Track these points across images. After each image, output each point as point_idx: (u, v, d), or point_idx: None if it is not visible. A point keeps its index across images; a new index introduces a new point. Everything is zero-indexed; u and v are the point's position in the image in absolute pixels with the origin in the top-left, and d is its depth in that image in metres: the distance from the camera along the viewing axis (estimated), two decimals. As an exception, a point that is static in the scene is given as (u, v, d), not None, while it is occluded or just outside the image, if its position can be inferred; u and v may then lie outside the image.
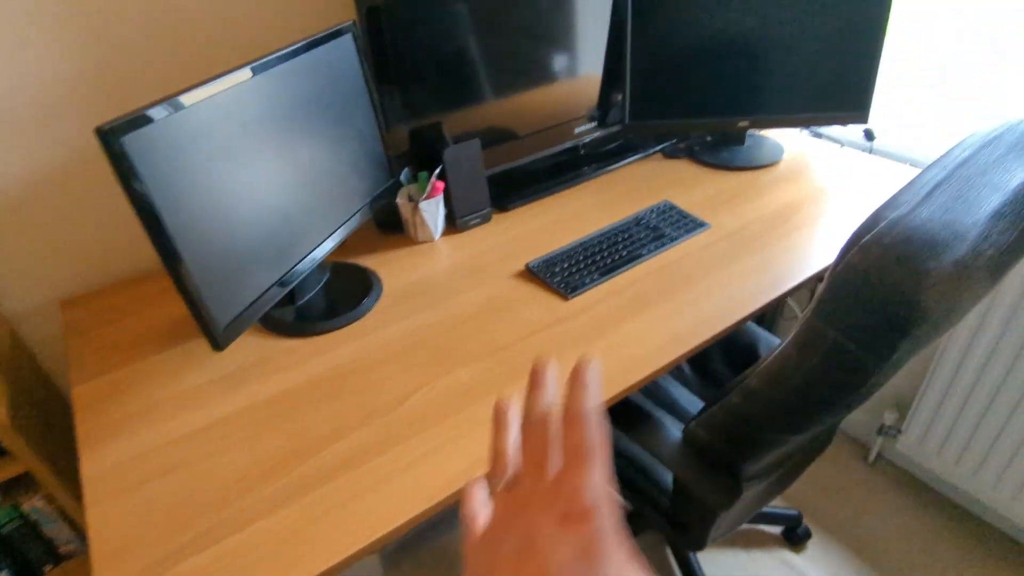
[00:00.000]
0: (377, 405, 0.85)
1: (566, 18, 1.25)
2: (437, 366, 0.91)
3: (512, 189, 1.34)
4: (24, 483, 1.03)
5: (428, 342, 0.95)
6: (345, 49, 1.02)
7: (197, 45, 1.08)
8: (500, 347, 0.93)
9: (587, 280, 1.04)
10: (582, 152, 1.48)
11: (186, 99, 0.76)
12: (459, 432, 0.80)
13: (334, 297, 1.06)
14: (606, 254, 1.10)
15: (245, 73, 0.84)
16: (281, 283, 0.95)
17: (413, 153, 1.21)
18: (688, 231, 1.15)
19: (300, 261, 0.99)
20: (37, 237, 1.07)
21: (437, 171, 1.15)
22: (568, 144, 1.40)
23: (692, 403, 1.14)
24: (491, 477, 0.33)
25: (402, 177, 1.21)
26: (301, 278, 1.00)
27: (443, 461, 0.77)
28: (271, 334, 1.00)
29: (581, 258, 1.09)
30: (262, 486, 0.75)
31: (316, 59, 0.96)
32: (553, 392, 0.34)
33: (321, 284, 1.09)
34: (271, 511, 0.73)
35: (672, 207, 1.23)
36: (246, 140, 0.86)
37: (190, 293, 0.78)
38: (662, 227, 1.17)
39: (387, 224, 1.25)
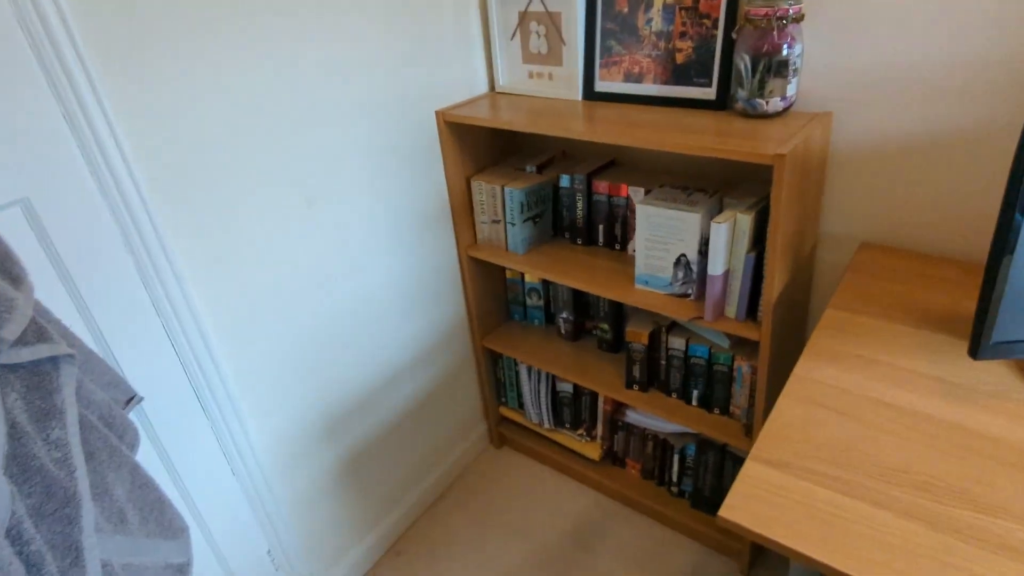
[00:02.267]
0: (1100, 534, 0.67)
1: None
2: None
3: None
4: (749, 346, 1.32)
5: None
6: None
7: None
8: None
9: None
10: None
11: None
12: None
13: None
14: None
15: None
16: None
17: None
18: None
19: None
20: (882, 183, 1.21)
21: None
22: None
23: None
24: None
25: None
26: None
27: None
28: (1022, 372, 0.88)
29: None
30: (911, 491, 0.74)
31: None
32: None
33: None
34: (900, 513, 0.71)
35: None
36: None
37: (991, 292, 0.76)
38: None
39: None
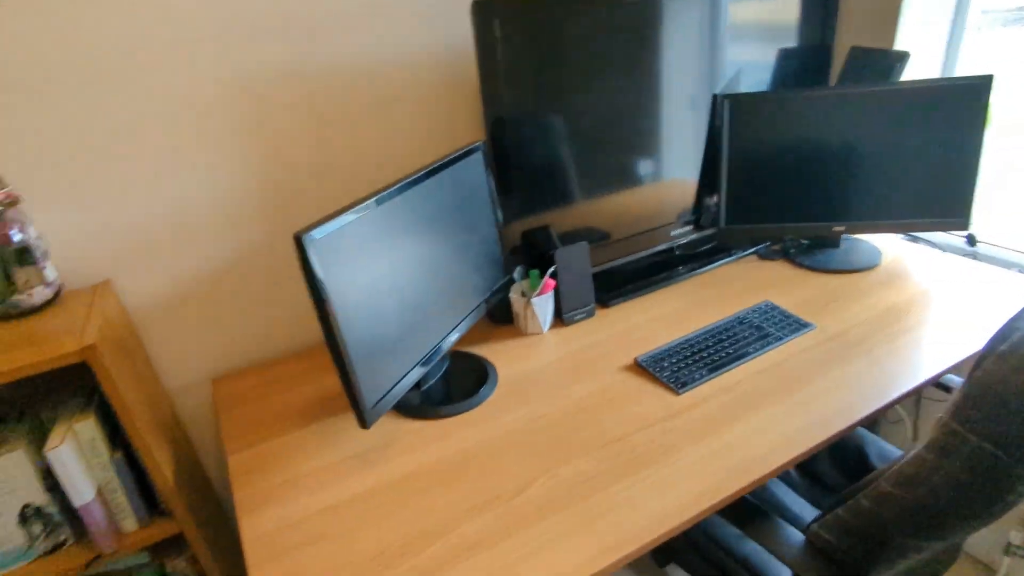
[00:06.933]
0: (500, 491, 0.91)
1: (657, 131, 1.37)
2: (555, 456, 0.96)
3: (612, 287, 1.42)
4: (172, 544, 1.13)
5: (545, 431, 1.01)
6: (476, 164, 1.16)
7: (355, 168, 1.25)
8: (614, 439, 0.98)
9: (697, 376, 1.09)
10: (677, 252, 1.56)
11: (350, 215, 0.90)
12: (583, 520, 0.84)
13: (455, 384, 1.15)
14: (712, 351, 1.15)
15: (396, 192, 0.98)
16: (423, 364, 1.05)
17: (524, 251, 1.33)
18: (793, 331, 1.19)
19: (433, 350, 1.09)
20: (194, 322, 1.23)
21: (551, 271, 1.25)
22: (664, 246, 1.48)
23: (801, 506, 1.12)
24: None
25: (515, 275, 1.31)
26: (432, 365, 1.10)
27: (570, 549, 0.80)
28: (399, 415, 1.09)
29: (688, 354, 1.14)
30: (399, 563, 0.81)
31: (451, 175, 1.10)
32: None
33: (443, 371, 1.18)
34: (407, 586, 0.78)
35: (774, 307, 1.27)
36: (397, 245, 0.98)
37: (347, 371, 0.89)
38: (766, 327, 1.21)
39: (498, 316, 1.35)
